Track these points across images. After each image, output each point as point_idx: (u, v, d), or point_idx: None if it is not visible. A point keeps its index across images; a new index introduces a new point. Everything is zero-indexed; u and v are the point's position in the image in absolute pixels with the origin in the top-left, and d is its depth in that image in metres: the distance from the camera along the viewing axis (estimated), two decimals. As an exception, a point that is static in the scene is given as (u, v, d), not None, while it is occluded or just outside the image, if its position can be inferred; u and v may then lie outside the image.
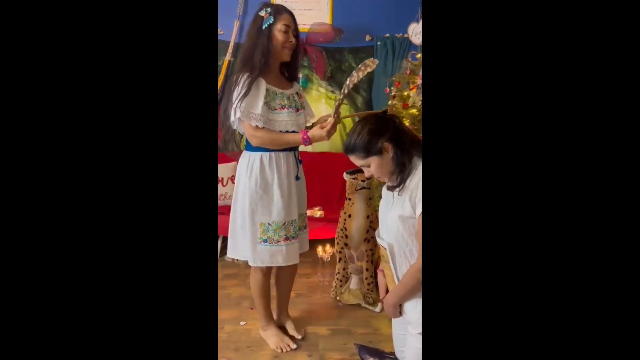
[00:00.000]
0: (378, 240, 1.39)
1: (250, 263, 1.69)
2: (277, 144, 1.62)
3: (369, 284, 2.19)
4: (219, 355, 1.73)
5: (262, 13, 1.59)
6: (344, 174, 2.17)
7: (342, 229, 2.21)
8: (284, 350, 1.78)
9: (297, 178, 1.72)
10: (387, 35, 3.19)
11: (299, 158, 1.74)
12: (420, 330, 1.27)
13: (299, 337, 1.89)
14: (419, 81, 2.23)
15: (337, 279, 2.28)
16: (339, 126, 1.75)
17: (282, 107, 1.63)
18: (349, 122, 3.12)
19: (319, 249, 2.48)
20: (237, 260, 1.78)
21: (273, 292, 1.90)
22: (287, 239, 1.67)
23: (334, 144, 3.33)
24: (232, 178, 2.89)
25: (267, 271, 1.77)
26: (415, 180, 1.27)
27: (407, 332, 1.37)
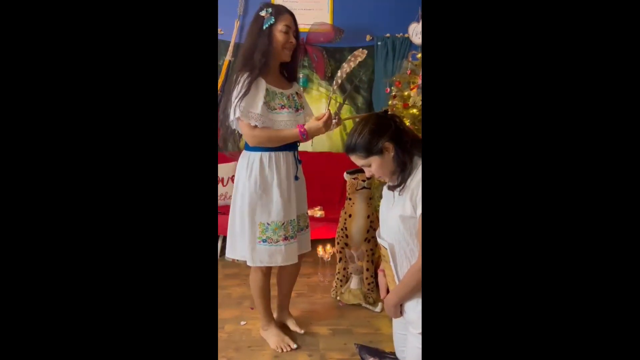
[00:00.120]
0: (379, 240, 1.39)
1: (249, 263, 1.69)
2: (274, 141, 1.62)
3: (369, 284, 2.19)
4: (220, 355, 1.73)
5: (263, 13, 1.59)
6: (345, 173, 2.17)
7: (342, 229, 2.21)
8: (285, 350, 1.78)
9: (297, 178, 1.72)
10: (388, 35, 3.19)
11: (299, 158, 1.74)
12: (420, 330, 1.27)
13: (302, 331, 1.90)
14: (419, 81, 2.23)
15: (338, 278, 2.28)
16: (339, 126, 1.75)
17: (282, 107, 1.63)
18: (349, 123, 3.12)
19: (320, 248, 2.48)
20: (237, 260, 1.78)
21: (273, 292, 1.90)
22: (286, 238, 1.67)
23: (334, 144, 3.33)
24: (232, 178, 2.89)
25: (267, 271, 1.77)
26: (416, 180, 1.27)
27: (407, 332, 1.37)
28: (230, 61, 3.10)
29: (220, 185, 2.92)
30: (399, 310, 1.37)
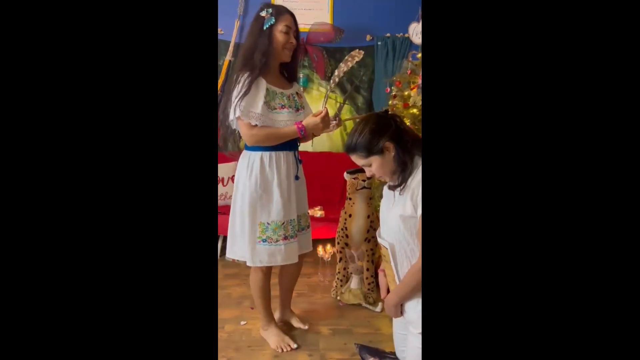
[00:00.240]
0: (379, 240, 1.39)
1: (248, 263, 1.69)
2: (272, 139, 1.61)
3: (369, 284, 2.19)
4: (220, 354, 1.73)
5: (263, 14, 1.59)
6: (345, 173, 2.17)
7: (342, 229, 2.21)
8: (285, 350, 1.78)
9: (297, 178, 1.72)
10: (388, 35, 3.19)
11: (299, 158, 1.74)
12: (421, 329, 1.26)
13: (306, 327, 1.93)
14: (419, 81, 2.23)
15: (338, 278, 2.28)
16: (339, 127, 1.76)
17: (282, 106, 1.63)
18: (350, 123, 3.12)
19: (320, 248, 2.48)
20: (237, 260, 1.78)
21: (274, 291, 1.90)
22: (286, 238, 1.67)
23: (334, 144, 3.33)
24: (232, 178, 2.89)
25: (267, 271, 1.77)
26: (416, 180, 1.27)
27: (408, 331, 1.37)
28: (230, 61, 3.10)
29: (220, 185, 2.92)
30: (399, 310, 1.37)
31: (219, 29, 3.08)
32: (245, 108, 1.55)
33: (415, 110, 2.19)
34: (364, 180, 2.10)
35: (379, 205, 1.49)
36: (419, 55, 2.39)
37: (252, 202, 1.63)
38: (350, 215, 2.17)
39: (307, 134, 1.63)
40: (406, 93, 2.30)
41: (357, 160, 1.35)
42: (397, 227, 1.29)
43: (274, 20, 1.57)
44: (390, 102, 2.41)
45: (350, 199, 2.17)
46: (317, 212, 2.79)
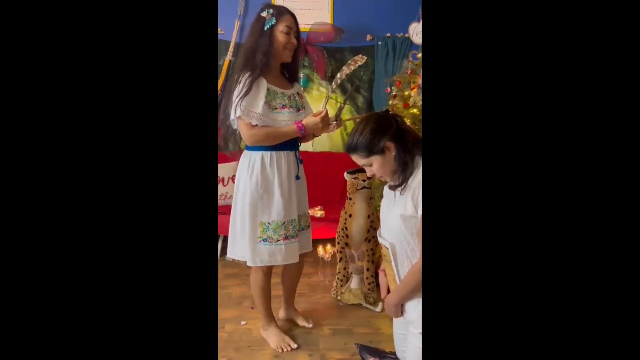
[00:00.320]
0: (380, 239, 1.39)
1: (248, 263, 1.69)
2: (272, 138, 1.62)
3: (369, 284, 2.19)
4: (220, 354, 1.73)
5: (264, 14, 1.60)
6: (345, 173, 2.17)
7: (342, 229, 2.21)
8: (285, 350, 1.78)
9: (298, 178, 1.72)
10: (388, 34, 3.19)
11: (300, 158, 1.74)
12: (421, 329, 1.26)
13: (310, 325, 1.94)
14: (419, 81, 2.23)
15: (338, 278, 2.28)
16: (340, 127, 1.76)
17: (283, 106, 1.64)
18: (350, 124, 3.12)
19: (320, 248, 2.48)
20: (237, 260, 1.78)
21: (274, 291, 1.90)
22: (286, 238, 1.67)
23: (334, 144, 3.33)
24: (233, 178, 2.89)
25: (267, 271, 1.77)
26: (417, 180, 1.27)
27: (408, 331, 1.37)
28: (230, 61, 3.10)
29: (220, 185, 2.92)
30: (400, 310, 1.37)
31: (219, 29, 3.08)
32: (245, 108, 1.55)
33: (415, 110, 2.19)
34: (364, 180, 2.10)
35: (379, 205, 1.49)
36: (419, 55, 2.39)
37: (252, 202, 1.63)
38: (350, 215, 2.17)
39: (307, 133, 1.63)
40: (406, 93, 2.30)
41: (358, 160, 1.35)
42: (398, 227, 1.29)
43: (274, 20, 1.58)
44: (390, 102, 2.41)
45: (350, 198, 2.17)
46: (317, 212, 2.79)
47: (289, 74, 1.75)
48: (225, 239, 1.79)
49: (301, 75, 3.16)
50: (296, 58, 1.71)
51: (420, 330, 1.28)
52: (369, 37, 3.24)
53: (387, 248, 1.33)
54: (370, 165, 1.33)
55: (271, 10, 1.59)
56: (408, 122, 2.08)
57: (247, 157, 1.67)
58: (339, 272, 2.27)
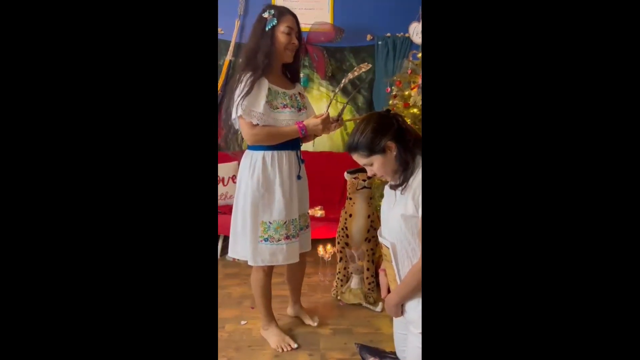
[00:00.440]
0: (380, 239, 1.39)
1: (250, 263, 1.69)
2: (273, 137, 1.62)
3: (369, 284, 2.19)
4: (220, 354, 1.73)
5: (266, 15, 1.60)
6: (345, 173, 2.17)
7: (342, 229, 2.21)
8: (285, 350, 1.78)
9: (299, 177, 1.72)
10: (388, 34, 3.19)
11: (301, 157, 1.75)
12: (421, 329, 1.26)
13: (314, 324, 1.96)
14: (420, 81, 2.23)
15: (338, 278, 2.28)
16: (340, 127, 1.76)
17: (284, 106, 1.64)
18: (350, 124, 3.12)
19: (320, 248, 2.48)
20: (238, 259, 1.79)
21: (275, 291, 1.90)
22: (287, 237, 1.68)
23: (334, 144, 3.33)
24: (233, 178, 2.90)
25: (268, 270, 1.77)
26: (418, 179, 1.27)
27: (408, 331, 1.37)
28: (230, 61, 3.10)
29: (220, 185, 2.92)
30: (400, 310, 1.37)
31: (219, 29, 3.08)
32: (247, 107, 1.56)
33: (415, 110, 2.20)
34: (364, 180, 2.10)
35: (379, 205, 1.49)
36: (419, 54, 2.39)
37: (254, 201, 1.63)
38: (350, 215, 2.17)
39: (308, 133, 1.64)
40: (407, 93, 2.30)
41: (359, 159, 1.34)
42: (399, 227, 1.29)
43: (276, 21, 1.59)
44: (390, 101, 2.41)
45: (350, 198, 2.17)
46: (317, 212, 2.79)
47: (290, 74, 1.76)
48: (225, 238, 1.80)
49: (301, 75, 3.16)
50: (298, 58, 1.72)
51: (420, 330, 1.27)
52: (369, 37, 3.24)
53: (388, 248, 1.33)
54: (371, 164, 1.33)
55: (272, 11, 1.60)
56: (408, 121, 2.08)
57: (248, 156, 1.68)
58: (339, 272, 2.27)
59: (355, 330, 1.96)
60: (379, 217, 1.50)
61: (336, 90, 1.73)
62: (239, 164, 1.76)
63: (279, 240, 1.66)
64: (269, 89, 1.61)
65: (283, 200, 1.64)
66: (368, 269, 2.19)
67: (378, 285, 1.82)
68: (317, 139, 1.82)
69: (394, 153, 1.29)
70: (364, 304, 2.17)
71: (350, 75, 1.69)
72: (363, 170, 2.01)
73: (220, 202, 2.87)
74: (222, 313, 2.05)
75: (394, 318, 1.47)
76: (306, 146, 1.86)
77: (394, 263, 1.33)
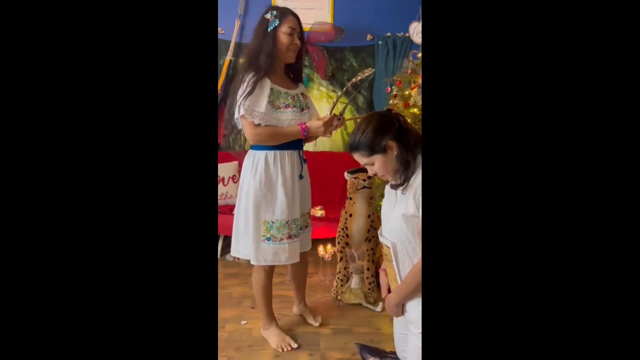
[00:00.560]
0: (381, 239, 1.39)
1: (252, 262, 1.70)
2: (276, 137, 1.62)
3: (370, 284, 2.19)
4: (220, 354, 1.73)
5: (268, 16, 1.61)
6: (345, 173, 2.17)
7: (343, 229, 2.21)
8: (285, 350, 1.79)
9: (301, 177, 1.73)
10: (389, 34, 3.19)
11: (304, 157, 1.75)
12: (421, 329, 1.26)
13: (317, 324, 1.97)
14: (420, 80, 2.23)
15: (338, 278, 2.28)
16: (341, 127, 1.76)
17: (287, 106, 1.64)
18: (351, 123, 3.12)
19: (320, 248, 2.48)
20: (239, 259, 1.79)
21: (275, 291, 1.91)
22: (289, 237, 1.68)
23: (335, 144, 3.33)
24: (233, 178, 2.89)
25: (270, 270, 1.77)
26: (419, 179, 1.27)
27: (408, 331, 1.37)
28: (230, 61, 3.10)
29: (220, 185, 2.92)
30: (400, 310, 1.37)
31: (219, 29, 3.08)
32: (249, 107, 1.56)
33: (416, 110, 2.19)
34: (364, 180, 2.10)
35: (379, 205, 1.49)
36: (420, 54, 2.39)
37: (256, 201, 1.64)
38: (350, 215, 2.17)
39: (310, 134, 1.64)
40: (407, 92, 2.30)
41: (360, 159, 1.34)
42: (399, 226, 1.29)
43: (278, 22, 1.59)
44: (390, 101, 2.41)
45: (350, 198, 2.17)
46: (318, 212, 2.79)
47: (293, 75, 1.77)
48: (225, 238, 1.80)
49: (302, 75, 3.17)
50: (300, 59, 1.73)
51: (420, 330, 1.27)
52: (369, 37, 3.24)
53: (389, 247, 1.33)
54: (372, 164, 1.33)
55: (275, 12, 1.61)
56: (409, 121, 2.08)
57: (251, 156, 1.68)
58: (339, 272, 2.27)
59: (355, 330, 1.96)
60: (379, 217, 1.50)
61: (339, 94, 1.76)
62: (240, 164, 1.76)
63: (281, 239, 1.67)
64: (272, 89, 1.61)
65: (285, 200, 1.65)
66: (368, 269, 2.19)
67: (378, 285, 1.82)
68: (317, 139, 1.83)
69: (395, 152, 1.29)
70: (364, 304, 2.17)
71: (353, 80, 1.72)
72: (363, 170, 2.01)
73: (221, 202, 2.87)
74: (223, 313, 2.06)
75: (394, 318, 1.47)
76: (307, 146, 1.86)
77: (394, 263, 1.33)
